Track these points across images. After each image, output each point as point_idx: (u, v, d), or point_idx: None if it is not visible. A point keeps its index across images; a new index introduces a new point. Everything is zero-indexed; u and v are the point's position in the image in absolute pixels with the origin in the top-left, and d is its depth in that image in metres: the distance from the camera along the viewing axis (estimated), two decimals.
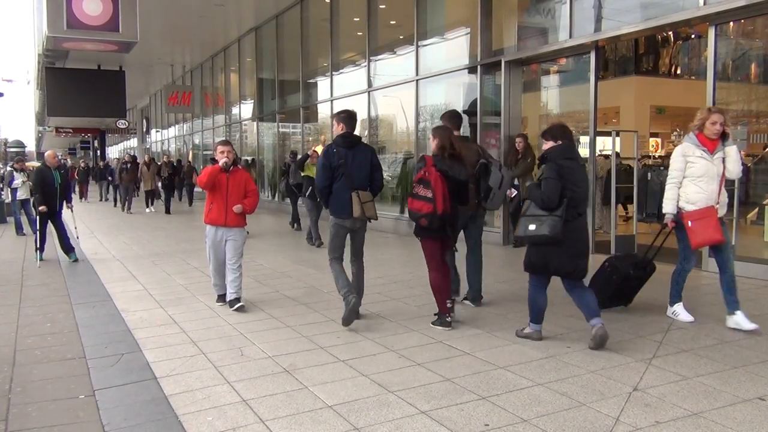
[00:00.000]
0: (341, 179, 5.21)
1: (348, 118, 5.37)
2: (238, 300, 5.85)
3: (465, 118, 8.70)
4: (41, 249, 8.98)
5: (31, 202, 9.14)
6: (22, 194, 13.18)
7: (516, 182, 9.32)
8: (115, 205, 19.75)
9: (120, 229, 13.28)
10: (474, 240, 5.81)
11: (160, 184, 18.39)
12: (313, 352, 4.50)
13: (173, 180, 18.88)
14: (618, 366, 4.05)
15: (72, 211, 9.49)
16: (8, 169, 14.64)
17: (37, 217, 8.99)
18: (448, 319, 5.04)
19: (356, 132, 5.47)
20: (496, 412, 3.37)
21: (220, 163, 5.71)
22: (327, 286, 6.73)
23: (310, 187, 9.76)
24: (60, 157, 12.69)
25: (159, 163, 19.37)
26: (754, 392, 3.58)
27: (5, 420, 3.50)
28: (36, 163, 44.82)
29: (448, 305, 5.04)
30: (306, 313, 5.66)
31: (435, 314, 5.18)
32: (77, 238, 9.51)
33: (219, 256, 5.87)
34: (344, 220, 5.27)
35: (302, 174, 10.45)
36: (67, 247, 9.06)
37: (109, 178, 22.34)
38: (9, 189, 13.28)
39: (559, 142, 4.52)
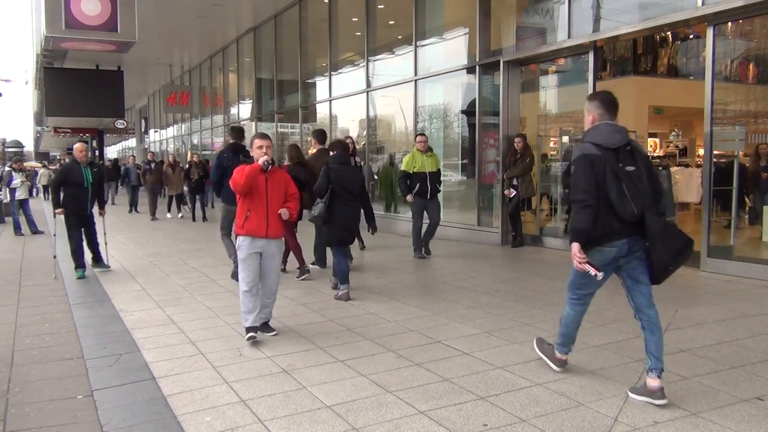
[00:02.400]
0: (230, 176, 6.61)
1: (239, 132, 7.65)
2: (267, 324, 4.97)
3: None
4: (81, 264, 7.68)
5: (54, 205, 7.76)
6: (20, 194, 13.20)
7: (515, 182, 9.33)
8: (131, 210, 17.65)
9: (118, 229, 13.25)
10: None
11: (187, 188, 16.06)
12: (312, 352, 4.50)
13: (204, 183, 15.87)
14: (616, 366, 4.06)
15: (103, 216, 8.22)
16: (6, 169, 14.64)
17: (56, 220, 7.69)
18: (307, 268, 7.29)
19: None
20: (495, 412, 3.37)
21: (260, 162, 4.72)
22: (325, 286, 6.73)
23: (418, 184, 8.40)
24: (59, 157, 12.12)
25: (188, 164, 16.55)
26: (752, 392, 3.59)
27: (3, 420, 3.49)
28: (34, 163, 44.77)
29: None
30: (304, 313, 5.66)
31: (297, 268, 7.26)
32: (105, 244, 8.37)
33: (256, 269, 4.82)
34: (232, 206, 6.56)
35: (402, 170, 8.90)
36: (98, 257, 8.07)
37: (125, 180, 19.22)
38: (7, 189, 13.27)
39: (336, 152, 6.37)
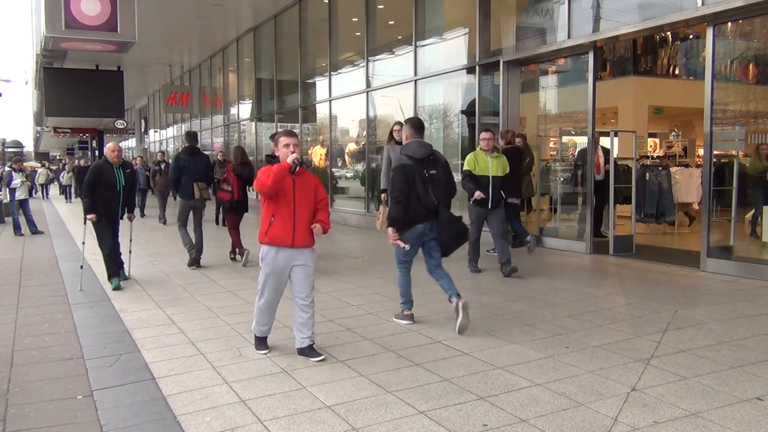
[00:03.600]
0: (186, 175, 8.06)
1: (193, 137, 8.65)
2: (312, 348, 4.37)
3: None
4: (115, 272, 7.05)
5: (85, 209, 7.00)
6: (20, 194, 13.19)
7: None
8: (142, 215, 16.07)
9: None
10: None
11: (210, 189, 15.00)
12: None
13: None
14: (616, 366, 4.06)
15: (131, 221, 7.42)
16: (6, 169, 14.63)
17: (86, 227, 7.01)
18: (238, 250, 8.60)
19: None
20: (495, 412, 3.37)
21: (289, 161, 4.22)
22: (326, 286, 6.73)
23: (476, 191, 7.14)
24: (59, 157, 11.69)
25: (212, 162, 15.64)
26: (752, 392, 3.59)
27: (3, 420, 3.49)
28: (34, 164, 44.74)
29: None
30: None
31: (234, 252, 8.69)
32: (129, 252, 7.63)
33: (280, 287, 4.43)
34: (188, 200, 8.15)
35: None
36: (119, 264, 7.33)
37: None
38: (7, 189, 13.27)
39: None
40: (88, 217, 6.87)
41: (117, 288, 6.85)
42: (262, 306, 4.45)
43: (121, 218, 7.16)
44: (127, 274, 7.52)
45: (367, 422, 3.28)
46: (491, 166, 7.09)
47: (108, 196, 6.85)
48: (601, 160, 9.38)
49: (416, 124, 5.23)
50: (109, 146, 7.06)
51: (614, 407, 3.40)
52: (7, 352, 4.74)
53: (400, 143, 7.67)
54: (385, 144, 8.29)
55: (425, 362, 4.21)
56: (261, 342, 4.55)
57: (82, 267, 7.15)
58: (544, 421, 3.25)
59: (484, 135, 7.24)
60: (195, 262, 8.18)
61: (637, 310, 5.55)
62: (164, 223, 14.48)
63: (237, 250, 8.64)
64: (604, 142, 9.63)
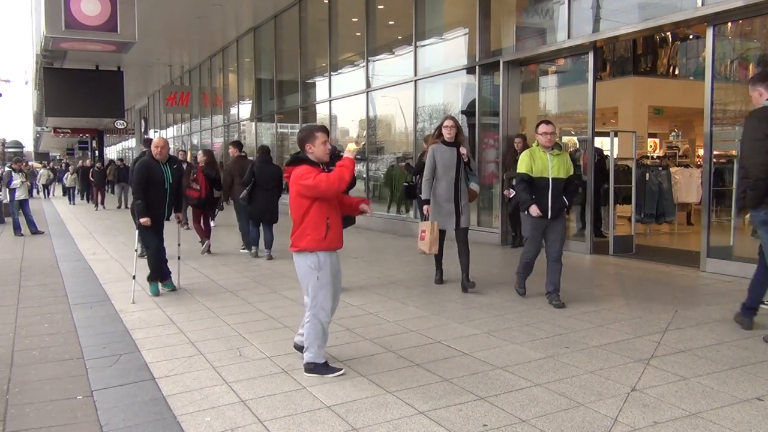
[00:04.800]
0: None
1: (149, 144, 8.64)
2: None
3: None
4: (164, 276, 6.62)
5: (133, 210, 6.50)
6: (20, 195, 13.19)
7: (515, 182, 9.31)
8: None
9: (118, 230, 13.26)
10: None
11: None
12: None
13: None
14: (616, 366, 4.06)
15: (179, 221, 7.06)
16: (6, 169, 14.63)
17: (137, 231, 6.54)
18: (207, 242, 9.51)
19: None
20: (495, 413, 3.37)
21: (352, 154, 4.00)
22: None
23: (533, 196, 5.79)
24: (59, 157, 11.47)
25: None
26: (752, 392, 3.59)
27: (3, 420, 3.49)
28: (35, 164, 44.73)
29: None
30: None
31: (200, 241, 9.60)
32: (179, 258, 7.11)
33: (332, 292, 4.08)
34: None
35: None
36: (165, 272, 6.67)
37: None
38: (7, 190, 13.26)
39: (259, 154, 8.99)
40: (142, 221, 6.21)
41: (156, 294, 6.44)
42: (326, 320, 4.02)
43: (167, 219, 6.60)
44: (175, 284, 6.83)
45: (367, 422, 3.28)
46: (551, 166, 5.73)
47: (155, 194, 6.27)
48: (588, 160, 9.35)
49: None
50: (154, 142, 6.40)
51: (614, 407, 3.40)
52: (7, 352, 4.73)
53: (449, 144, 6.39)
54: (429, 144, 6.73)
55: (425, 362, 4.21)
56: (326, 365, 4.02)
57: (134, 277, 6.51)
58: (544, 421, 3.25)
59: (543, 128, 5.76)
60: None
61: (637, 310, 5.55)
62: (187, 227, 12.45)
63: (203, 240, 9.54)
64: (597, 142, 9.61)
